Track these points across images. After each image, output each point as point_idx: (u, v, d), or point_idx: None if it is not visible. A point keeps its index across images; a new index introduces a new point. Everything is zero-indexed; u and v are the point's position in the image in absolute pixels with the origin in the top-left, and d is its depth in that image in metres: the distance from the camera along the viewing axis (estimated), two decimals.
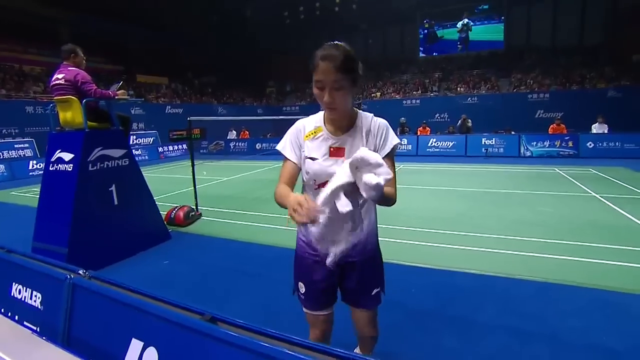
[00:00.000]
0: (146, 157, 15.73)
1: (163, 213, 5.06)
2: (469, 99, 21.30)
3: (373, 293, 1.57)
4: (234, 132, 18.79)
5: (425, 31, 26.77)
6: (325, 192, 1.11)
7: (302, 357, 0.87)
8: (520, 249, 3.97)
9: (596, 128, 12.34)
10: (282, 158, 1.45)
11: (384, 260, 1.65)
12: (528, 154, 12.57)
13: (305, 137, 1.40)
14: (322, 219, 1.07)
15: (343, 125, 1.38)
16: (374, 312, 1.64)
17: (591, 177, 8.23)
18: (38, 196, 4.12)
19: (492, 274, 3.38)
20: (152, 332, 1.16)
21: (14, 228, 5.48)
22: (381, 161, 1.06)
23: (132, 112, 17.28)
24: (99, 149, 3.96)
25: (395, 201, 1.35)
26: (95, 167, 3.92)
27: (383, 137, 1.38)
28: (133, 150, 4.54)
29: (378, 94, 24.81)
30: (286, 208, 1.21)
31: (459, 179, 8.50)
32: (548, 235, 4.34)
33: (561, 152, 12.15)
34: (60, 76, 3.87)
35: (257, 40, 27.63)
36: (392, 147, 1.38)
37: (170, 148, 17.48)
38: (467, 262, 3.66)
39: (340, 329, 1.70)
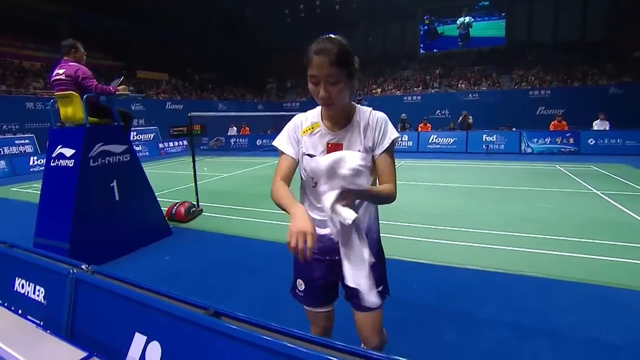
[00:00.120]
0: (147, 153, 15.73)
1: (164, 209, 5.07)
2: (470, 95, 21.26)
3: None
4: (235, 128, 18.77)
5: (426, 27, 26.65)
6: (329, 215, 1.13)
7: (304, 350, 0.87)
8: (521, 245, 3.98)
9: (597, 125, 12.33)
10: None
11: (385, 256, 1.59)
12: (529, 150, 12.56)
13: (303, 133, 1.38)
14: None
15: (341, 120, 1.35)
16: (376, 316, 1.50)
17: (592, 173, 8.23)
18: (39, 192, 4.13)
19: (492, 270, 3.39)
20: (155, 327, 1.17)
21: (14, 224, 5.49)
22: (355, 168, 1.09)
23: (133, 108, 17.27)
24: (100, 144, 3.96)
25: (395, 198, 1.32)
26: (96, 163, 3.92)
27: (382, 131, 1.34)
28: (133, 146, 4.53)
29: (379, 90, 24.75)
30: (282, 209, 1.22)
31: (459, 176, 8.51)
32: (548, 232, 4.35)
33: (562, 149, 12.14)
34: (60, 71, 3.86)
35: (257, 36, 27.56)
36: (390, 141, 1.34)
37: (171, 144, 17.48)
38: (468, 258, 3.67)
39: (341, 327, 1.68)
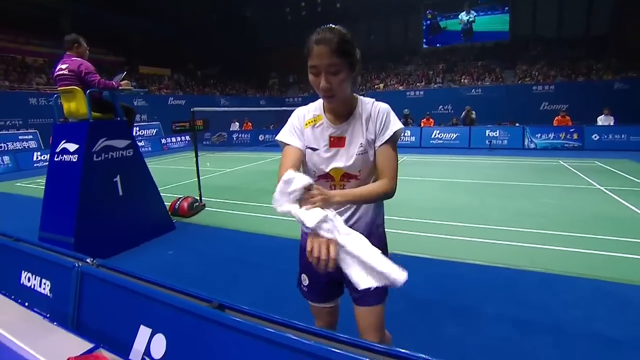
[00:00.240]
0: (149, 149, 15.76)
1: (167, 204, 5.09)
2: (473, 90, 21.13)
3: (372, 289, 1.45)
4: (237, 123, 18.75)
5: (429, 22, 26.46)
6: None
7: (308, 343, 0.88)
8: (523, 240, 3.98)
9: (602, 120, 12.23)
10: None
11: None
12: (532, 146, 12.49)
13: (306, 125, 1.34)
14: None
15: (343, 113, 1.31)
16: (376, 313, 1.43)
17: (596, 169, 8.19)
18: (42, 187, 4.16)
19: (494, 265, 3.39)
20: (160, 319, 1.18)
21: (19, 218, 5.53)
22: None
23: (135, 103, 17.27)
24: (104, 139, 3.97)
25: (391, 195, 1.26)
26: (99, 158, 3.93)
27: (383, 122, 1.28)
28: (136, 142, 4.55)
29: (381, 85, 24.65)
30: None
31: (462, 171, 8.48)
32: (551, 227, 4.34)
33: (566, 145, 12.06)
34: (63, 66, 3.86)
35: (259, 31, 27.45)
36: (393, 132, 1.28)
37: (173, 139, 17.50)
38: (470, 253, 3.67)
39: (347, 323, 1.66)
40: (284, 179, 1.02)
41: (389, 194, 1.25)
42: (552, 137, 12.27)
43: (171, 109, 20.28)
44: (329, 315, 1.56)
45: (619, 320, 2.47)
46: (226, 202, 6.13)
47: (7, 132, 13.18)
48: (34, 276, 1.62)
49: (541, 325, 2.46)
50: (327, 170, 1.32)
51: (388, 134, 1.28)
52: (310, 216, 0.97)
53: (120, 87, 4.09)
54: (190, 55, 26.63)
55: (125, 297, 1.29)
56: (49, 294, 1.54)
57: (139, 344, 1.18)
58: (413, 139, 14.19)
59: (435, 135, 14.00)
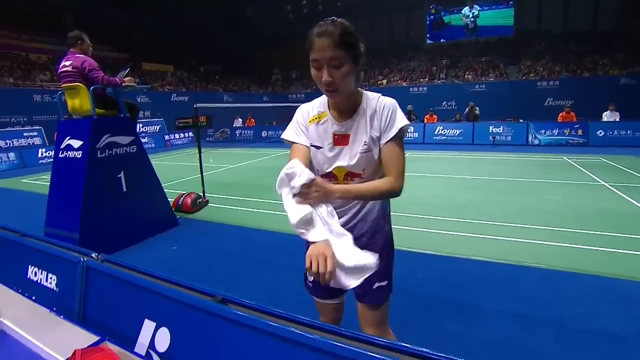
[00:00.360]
0: (153, 145, 15.82)
1: (171, 200, 5.12)
2: (477, 86, 21.01)
3: (374, 287, 1.37)
4: (240, 119, 18.77)
5: (432, 17, 26.25)
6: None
7: (310, 337, 0.89)
8: (526, 236, 3.97)
9: (607, 116, 12.13)
10: (287, 146, 1.33)
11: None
12: (536, 142, 12.42)
13: (310, 122, 1.31)
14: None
15: (347, 109, 1.27)
16: (378, 312, 1.42)
17: (601, 165, 8.14)
18: (48, 183, 4.19)
19: (497, 261, 3.39)
20: (164, 313, 1.19)
21: (25, 214, 5.58)
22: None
23: (138, 100, 17.32)
24: (107, 135, 4.00)
25: (398, 193, 1.23)
26: (104, 154, 3.96)
27: (389, 118, 1.24)
28: (140, 138, 4.57)
29: (384, 81, 24.54)
30: None
31: (465, 167, 8.46)
32: (554, 223, 4.33)
33: (570, 141, 11.98)
34: (67, 63, 3.88)
35: (262, 27, 27.36)
36: (398, 129, 1.24)
37: (177, 136, 17.56)
38: (473, 249, 3.67)
39: (350, 319, 1.66)
40: (287, 170, 1.04)
41: (396, 192, 1.23)
42: (556, 133, 12.19)
43: (174, 105, 20.34)
44: (334, 312, 1.56)
45: (621, 317, 2.46)
46: (229, 198, 6.15)
47: (12, 129, 13.29)
48: (40, 271, 1.65)
49: (543, 321, 2.46)
50: (331, 169, 1.31)
51: (393, 131, 1.24)
52: (295, 212, 1.00)
53: (123, 84, 4.10)
54: (193, 51, 26.64)
55: (130, 292, 1.30)
56: (55, 288, 1.56)
57: (144, 338, 1.20)
58: (416, 135, 14.15)
59: (438, 131, 13.95)
